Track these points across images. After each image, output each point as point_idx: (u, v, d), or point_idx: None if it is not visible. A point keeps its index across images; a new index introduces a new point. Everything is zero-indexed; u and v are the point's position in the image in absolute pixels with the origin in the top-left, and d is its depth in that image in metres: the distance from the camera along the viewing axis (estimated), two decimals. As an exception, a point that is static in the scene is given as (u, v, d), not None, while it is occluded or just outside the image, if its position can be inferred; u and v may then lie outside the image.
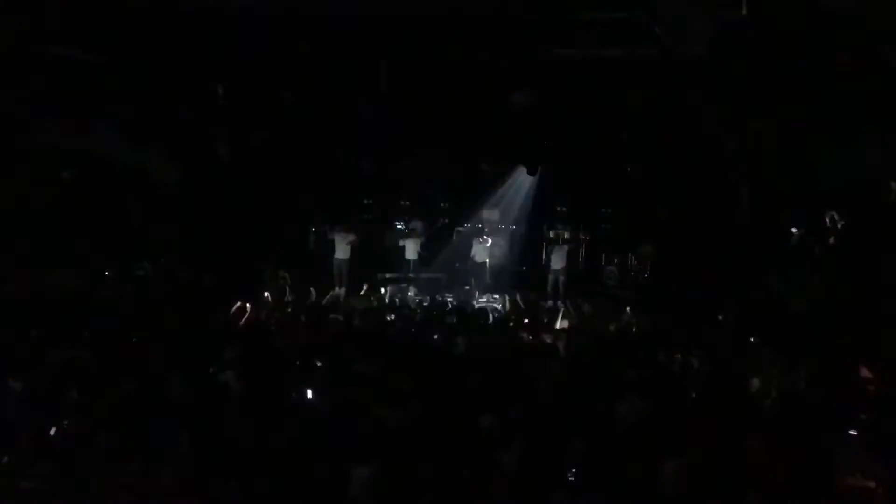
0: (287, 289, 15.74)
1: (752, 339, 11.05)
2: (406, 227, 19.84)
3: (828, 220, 10.90)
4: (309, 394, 7.78)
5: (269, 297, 14.17)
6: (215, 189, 15.08)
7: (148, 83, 10.97)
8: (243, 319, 11.99)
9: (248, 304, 12.61)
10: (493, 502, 5.52)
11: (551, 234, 19.32)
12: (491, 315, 13.53)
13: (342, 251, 17.93)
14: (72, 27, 10.02)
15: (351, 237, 17.79)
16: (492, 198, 20.43)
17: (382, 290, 17.65)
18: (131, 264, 13.21)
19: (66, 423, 6.55)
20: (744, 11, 5.49)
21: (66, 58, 10.62)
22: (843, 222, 10.61)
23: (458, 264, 19.92)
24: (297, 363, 8.96)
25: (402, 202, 20.82)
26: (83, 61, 10.48)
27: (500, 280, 19.27)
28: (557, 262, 18.43)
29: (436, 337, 10.85)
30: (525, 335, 11.24)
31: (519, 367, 9.05)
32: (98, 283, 12.38)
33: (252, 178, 15.58)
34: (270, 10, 9.40)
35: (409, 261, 18.96)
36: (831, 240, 10.81)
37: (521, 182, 19.71)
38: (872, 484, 5.87)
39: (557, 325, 13.17)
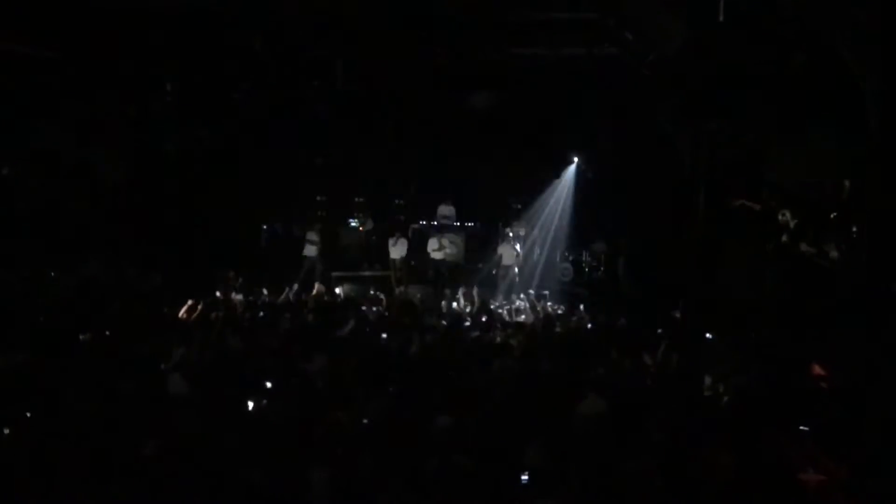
0: (237, 288, 15.49)
1: (707, 336, 11.14)
2: (360, 225, 19.64)
3: (781, 218, 11.05)
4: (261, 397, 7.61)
5: (220, 296, 13.90)
6: (163, 187, 14.75)
7: (95, 79, 10.65)
8: (193, 318, 11.75)
9: (198, 304, 12.36)
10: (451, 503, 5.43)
11: (507, 231, 19.30)
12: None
13: (311, 249, 17.90)
14: (18, 23, 9.69)
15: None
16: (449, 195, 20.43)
17: (338, 289, 17.49)
18: (77, 263, 12.80)
19: (6, 431, 6.31)
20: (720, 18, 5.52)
21: (11, 53, 10.28)
22: (795, 221, 10.76)
23: (413, 262, 19.83)
24: (249, 364, 8.79)
25: (357, 199, 20.63)
26: (28, 57, 10.14)
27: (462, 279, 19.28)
28: (508, 258, 18.46)
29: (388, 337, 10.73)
30: (481, 333, 11.17)
31: (475, 367, 8.99)
32: (41, 284, 11.99)
33: (201, 175, 15.27)
34: (222, 6, 9.18)
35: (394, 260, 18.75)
36: (784, 238, 10.95)
37: (480, 179, 19.73)
38: (824, 479, 5.93)
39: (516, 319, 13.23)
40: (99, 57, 10.15)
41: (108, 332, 10.10)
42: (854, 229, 9.10)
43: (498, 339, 10.77)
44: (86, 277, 12.67)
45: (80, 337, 9.70)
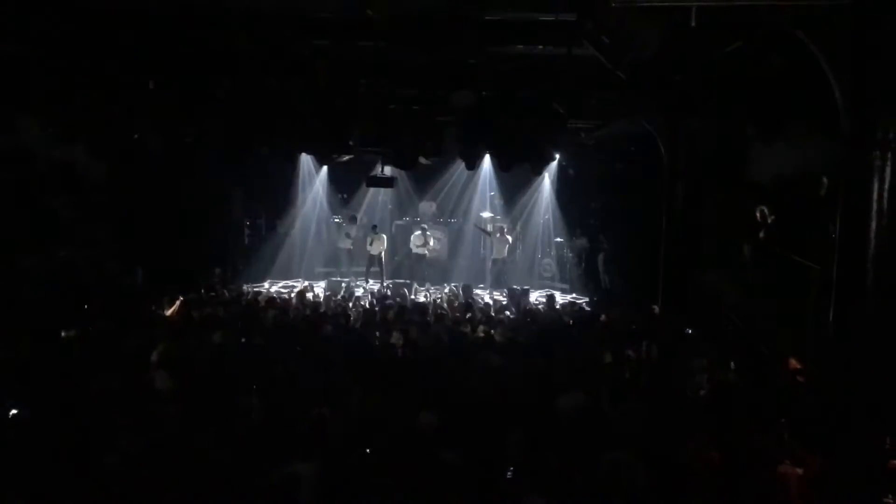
0: (221, 284, 15.49)
1: (688, 332, 11.30)
2: (343, 223, 19.65)
3: (758, 214, 11.19)
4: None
5: (204, 293, 13.90)
6: (145, 184, 14.68)
7: (75, 77, 10.58)
8: (176, 315, 11.75)
9: (181, 300, 12.35)
10: (436, 498, 5.50)
11: (489, 227, 19.39)
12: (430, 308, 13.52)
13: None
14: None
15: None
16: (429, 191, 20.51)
17: (319, 285, 17.55)
18: (57, 258, 12.68)
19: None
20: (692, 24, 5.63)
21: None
22: (773, 217, 10.90)
23: (395, 257, 19.88)
24: (235, 361, 8.81)
25: (340, 195, 20.65)
26: (6, 54, 10.04)
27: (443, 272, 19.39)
28: (498, 252, 18.57)
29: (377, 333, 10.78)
30: (465, 328, 11.24)
31: (458, 362, 9.06)
32: (22, 279, 11.90)
33: (184, 172, 15.22)
34: (203, 2, 9.15)
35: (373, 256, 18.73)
36: (762, 234, 11.10)
37: (460, 175, 19.83)
38: (801, 471, 6.06)
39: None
40: (79, 54, 10.06)
41: (91, 329, 10.08)
42: (829, 227, 9.27)
43: (481, 334, 10.84)
44: (62, 265, 12.55)
45: (63, 334, 9.68)
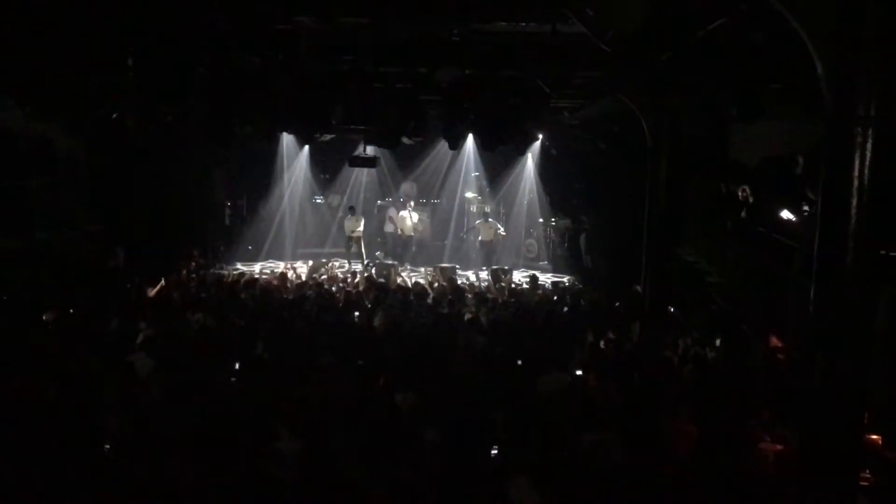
0: (201, 265, 15.39)
1: (670, 310, 11.35)
2: (325, 201, 19.56)
3: (740, 193, 11.24)
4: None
5: (185, 275, 13.80)
6: (125, 164, 14.52)
7: (54, 54, 10.38)
8: (157, 297, 11.66)
9: (163, 281, 12.25)
10: (418, 477, 5.49)
11: (473, 209, 19.32)
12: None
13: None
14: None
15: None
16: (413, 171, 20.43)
17: (300, 265, 17.48)
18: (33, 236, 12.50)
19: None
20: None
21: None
22: (754, 197, 10.96)
23: (379, 238, 19.83)
24: (216, 341, 8.77)
25: (323, 175, 20.52)
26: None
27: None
28: (486, 234, 18.55)
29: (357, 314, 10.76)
30: (448, 309, 11.23)
31: (441, 342, 9.06)
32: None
33: (164, 153, 15.07)
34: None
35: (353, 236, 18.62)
36: (743, 213, 11.15)
37: (442, 156, 19.74)
38: (781, 448, 6.12)
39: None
40: (58, 31, 9.87)
41: (71, 311, 9.99)
42: (805, 207, 9.33)
43: (466, 316, 10.83)
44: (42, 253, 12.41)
45: (44, 317, 9.59)
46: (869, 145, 4.59)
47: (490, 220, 18.65)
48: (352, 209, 18.80)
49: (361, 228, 18.49)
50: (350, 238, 18.45)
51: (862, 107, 4.60)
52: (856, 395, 4.97)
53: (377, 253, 19.03)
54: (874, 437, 6.12)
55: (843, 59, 4.68)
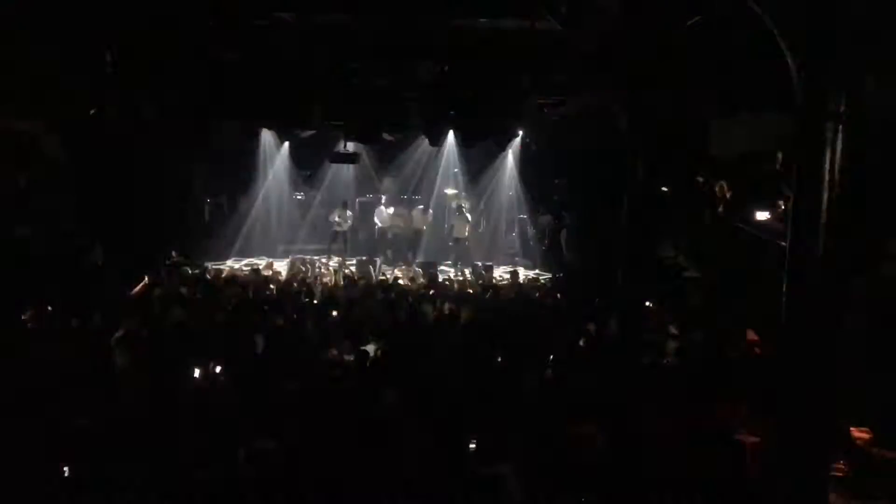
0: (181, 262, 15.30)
1: (647, 304, 11.41)
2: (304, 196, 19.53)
3: (717, 189, 11.33)
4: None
5: (164, 272, 13.73)
6: (104, 160, 14.39)
7: (33, 48, 10.30)
8: (139, 294, 11.61)
9: (146, 279, 12.19)
10: (402, 474, 5.53)
11: (460, 205, 19.34)
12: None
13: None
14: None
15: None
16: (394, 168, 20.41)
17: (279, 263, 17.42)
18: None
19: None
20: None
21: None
22: (731, 192, 11.05)
23: (360, 234, 19.79)
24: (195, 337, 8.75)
25: (304, 172, 20.43)
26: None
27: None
28: (459, 231, 18.56)
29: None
30: (428, 306, 11.24)
31: (421, 339, 9.08)
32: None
33: (144, 149, 14.95)
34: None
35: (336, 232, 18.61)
36: (720, 209, 11.24)
37: (424, 152, 19.74)
38: (758, 440, 6.20)
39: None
40: (35, 25, 9.79)
41: (50, 308, 9.91)
42: (780, 203, 9.43)
43: (446, 311, 10.86)
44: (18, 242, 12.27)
45: (23, 317, 9.51)
46: (839, 141, 4.68)
47: (464, 212, 18.69)
48: (344, 203, 18.78)
49: (350, 223, 18.50)
50: (336, 233, 18.44)
51: (832, 103, 4.69)
52: (826, 384, 5.06)
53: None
54: (863, 432, 6.17)
55: (812, 55, 4.76)
